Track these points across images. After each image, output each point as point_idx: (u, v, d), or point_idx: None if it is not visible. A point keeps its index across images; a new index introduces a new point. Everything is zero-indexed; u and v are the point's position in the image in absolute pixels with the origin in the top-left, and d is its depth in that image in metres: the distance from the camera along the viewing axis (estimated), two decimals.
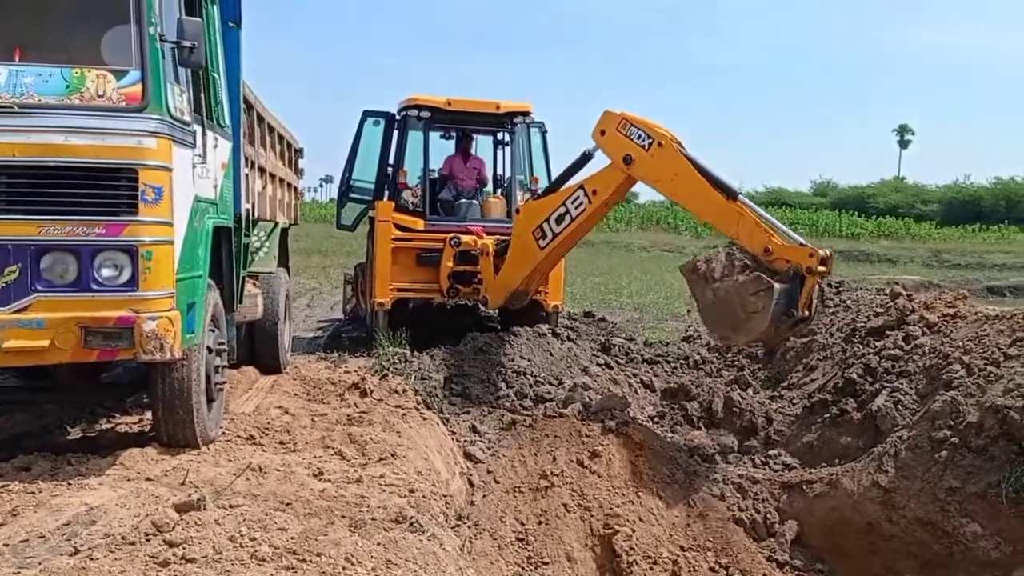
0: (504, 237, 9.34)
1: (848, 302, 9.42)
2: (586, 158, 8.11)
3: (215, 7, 5.82)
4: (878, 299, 8.98)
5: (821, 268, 6.45)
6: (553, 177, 9.29)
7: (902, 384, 7.24)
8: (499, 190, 11.02)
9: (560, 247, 8.41)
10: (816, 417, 7.68)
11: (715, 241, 37.66)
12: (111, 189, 4.39)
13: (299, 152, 10.49)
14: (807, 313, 6.55)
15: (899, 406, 7.04)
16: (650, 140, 7.30)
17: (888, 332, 8.03)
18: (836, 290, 9.99)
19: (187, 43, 4.58)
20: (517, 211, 9.04)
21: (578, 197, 7.98)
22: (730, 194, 6.91)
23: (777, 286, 6.39)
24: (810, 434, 7.59)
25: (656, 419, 8.33)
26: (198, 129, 5.12)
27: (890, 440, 6.65)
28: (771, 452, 7.59)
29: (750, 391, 8.68)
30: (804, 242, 6.75)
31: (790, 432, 7.87)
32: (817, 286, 6.63)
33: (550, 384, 8.43)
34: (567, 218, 8.07)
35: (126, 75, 4.43)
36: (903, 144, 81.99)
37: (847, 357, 8.13)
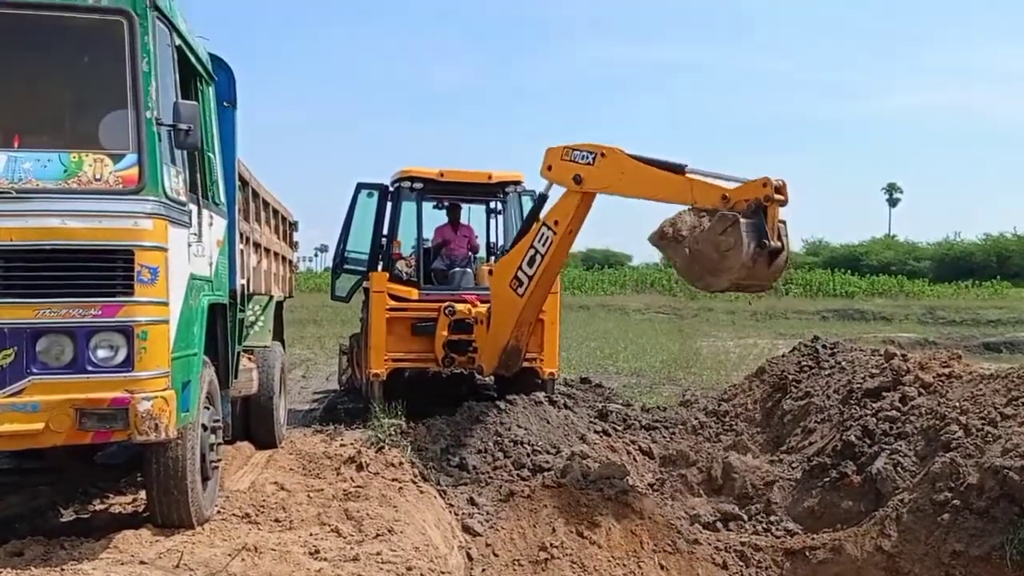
0: None
1: (843, 363, 9.43)
2: (543, 199, 8.44)
3: (210, 89, 5.93)
4: (873, 360, 8.99)
5: (778, 196, 6.53)
6: None
7: (901, 446, 7.21)
8: (492, 258, 11.10)
9: (538, 289, 8.54)
10: (816, 481, 7.62)
11: (709, 303, 37.79)
12: (107, 270, 4.42)
13: (293, 225, 10.57)
14: (780, 243, 6.58)
15: (899, 468, 7.01)
16: (593, 155, 7.68)
17: (884, 393, 8.03)
18: (831, 351, 10.01)
19: (183, 126, 4.65)
20: (490, 272, 9.18)
21: (543, 233, 8.23)
22: (677, 169, 7.10)
23: (743, 219, 6.46)
24: (811, 499, 7.52)
25: (656, 486, 8.26)
26: (193, 208, 5.18)
27: (891, 503, 6.61)
28: (772, 518, 7.52)
29: (749, 456, 8.62)
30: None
31: (791, 497, 7.80)
32: (783, 224, 6.66)
33: (548, 453, 8.38)
34: (538, 257, 8.28)
35: (123, 158, 4.49)
36: (892, 202, 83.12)
37: (845, 419, 8.11)
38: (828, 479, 7.48)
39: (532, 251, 8.30)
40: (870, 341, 22.83)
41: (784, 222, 6.71)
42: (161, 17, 4.73)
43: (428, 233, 10.84)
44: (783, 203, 6.61)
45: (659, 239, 7.09)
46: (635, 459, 8.87)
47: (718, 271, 6.66)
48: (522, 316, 8.78)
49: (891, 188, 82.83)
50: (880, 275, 47.70)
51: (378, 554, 5.00)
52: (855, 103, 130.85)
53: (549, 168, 8.12)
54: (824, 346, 10.26)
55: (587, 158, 7.72)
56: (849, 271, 48.82)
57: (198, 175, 5.39)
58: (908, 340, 25.65)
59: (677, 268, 7.18)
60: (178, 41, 5.04)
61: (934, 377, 7.93)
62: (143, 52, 4.53)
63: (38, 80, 4.82)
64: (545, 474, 7.90)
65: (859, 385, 8.48)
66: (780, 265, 6.74)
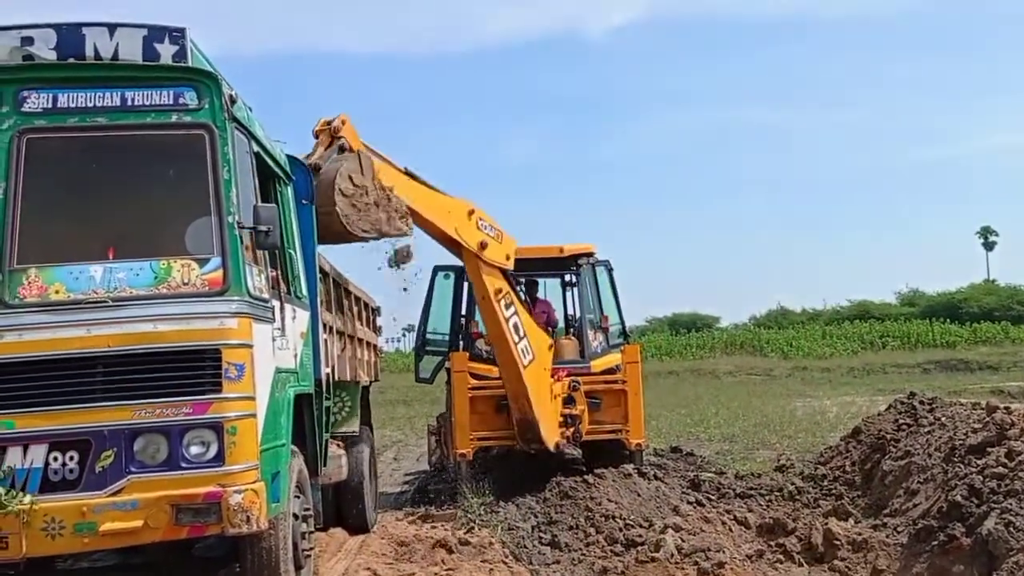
0: (576, 378, 9.54)
1: (943, 419, 9.06)
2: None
3: (288, 188, 6.23)
4: (974, 414, 8.62)
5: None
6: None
7: (1011, 504, 6.83)
8: (571, 331, 11.13)
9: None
10: (924, 545, 7.26)
11: (803, 361, 36.77)
12: (197, 369, 4.62)
13: (376, 310, 10.83)
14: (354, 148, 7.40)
15: (1011, 528, 6.62)
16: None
17: (989, 449, 7.65)
18: (929, 407, 9.64)
19: (263, 227, 4.89)
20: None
21: None
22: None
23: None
24: (919, 564, 7.16)
25: (753, 558, 7.98)
26: (276, 304, 5.39)
27: (1006, 566, 6.24)
28: None
29: (851, 521, 8.29)
30: None
31: (898, 563, 7.45)
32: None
33: (640, 527, 8.22)
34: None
35: (208, 262, 4.74)
36: (988, 246, 79.92)
37: (949, 478, 7.75)
38: (936, 543, 7.11)
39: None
40: (977, 392, 21.86)
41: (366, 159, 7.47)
42: (240, 127, 5.03)
43: None
44: (343, 145, 7.39)
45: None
46: (731, 529, 8.61)
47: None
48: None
49: (985, 232, 79.70)
50: (982, 322, 45.51)
51: None
52: (938, 147, 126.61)
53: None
54: (921, 402, 9.90)
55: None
56: (948, 320, 46.80)
57: (279, 271, 5.63)
58: (1019, 389, 24.44)
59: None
60: (256, 147, 5.34)
61: None
62: (224, 161, 4.81)
63: (128, 193, 5.15)
64: (639, 548, 7.73)
65: (961, 441, 8.11)
66: (322, 180, 7.04)
